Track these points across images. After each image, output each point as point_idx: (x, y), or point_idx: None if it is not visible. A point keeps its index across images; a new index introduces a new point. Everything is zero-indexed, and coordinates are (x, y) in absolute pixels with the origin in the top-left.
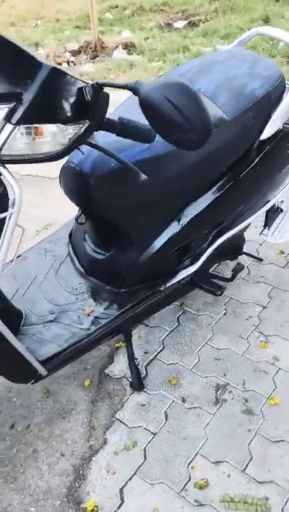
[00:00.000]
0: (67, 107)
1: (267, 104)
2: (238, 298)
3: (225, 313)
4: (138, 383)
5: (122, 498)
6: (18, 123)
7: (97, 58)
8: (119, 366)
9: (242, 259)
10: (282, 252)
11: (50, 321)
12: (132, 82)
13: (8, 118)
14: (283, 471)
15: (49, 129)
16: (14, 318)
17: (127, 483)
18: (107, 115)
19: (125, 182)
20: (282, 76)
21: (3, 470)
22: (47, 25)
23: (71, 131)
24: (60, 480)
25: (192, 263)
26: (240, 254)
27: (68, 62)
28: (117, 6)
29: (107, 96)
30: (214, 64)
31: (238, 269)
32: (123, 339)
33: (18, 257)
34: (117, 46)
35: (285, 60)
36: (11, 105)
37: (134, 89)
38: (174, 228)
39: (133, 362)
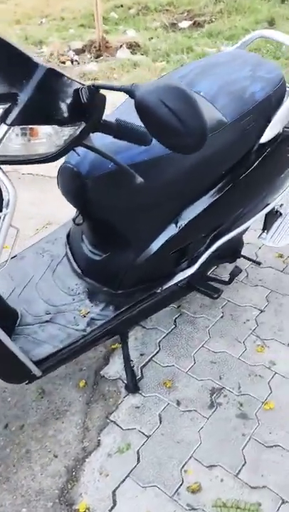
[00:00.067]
0: (63, 108)
1: (267, 107)
2: (235, 301)
3: (222, 316)
4: (133, 385)
5: (114, 501)
6: (13, 124)
7: (101, 57)
8: (115, 368)
9: (240, 262)
10: (281, 256)
11: (46, 322)
12: (128, 85)
13: (3, 119)
14: (277, 476)
15: (44, 130)
16: (10, 318)
17: (119, 485)
18: (105, 117)
19: (122, 184)
20: (284, 79)
21: None
22: (52, 24)
23: (67, 132)
24: (53, 481)
25: (189, 266)
26: (239, 258)
27: (72, 61)
28: (122, 6)
29: (103, 98)
30: (215, 66)
31: (235, 273)
32: (119, 340)
33: (15, 256)
34: (121, 46)
35: None
36: (6, 106)
37: (129, 91)
38: (171, 231)
39: (128, 364)
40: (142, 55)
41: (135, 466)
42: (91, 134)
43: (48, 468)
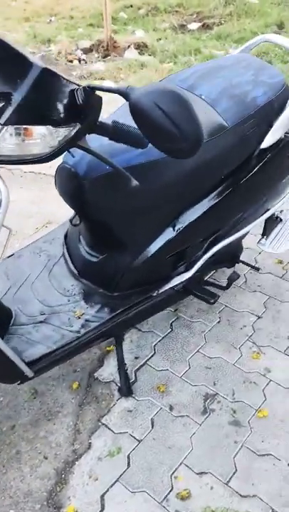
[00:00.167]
0: (57, 109)
1: (269, 112)
2: (233, 306)
3: (219, 321)
4: (126, 388)
5: (102, 505)
6: (6, 123)
7: (109, 57)
8: (109, 370)
9: (239, 267)
10: (281, 262)
11: (40, 322)
12: (123, 87)
13: None
14: (267, 485)
15: (39, 130)
16: (4, 318)
17: (108, 489)
18: (104, 119)
19: (120, 186)
20: (286, 85)
21: None
22: (61, 22)
23: (61, 133)
24: (42, 483)
25: (187, 270)
26: (238, 263)
27: (79, 60)
28: (131, 6)
29: (99, 99)
30: (218, 69)
31: (233, 278)
32: (114, 343)
33: (12, 255)
34: (129, 46)
35: None
36: (0, 105)
37: (124, 94)
38: (169, 234)
39: (122, 367)
40: (150, 55)
41: (125, 471)
42: (88, 136)
43: (37, 470)
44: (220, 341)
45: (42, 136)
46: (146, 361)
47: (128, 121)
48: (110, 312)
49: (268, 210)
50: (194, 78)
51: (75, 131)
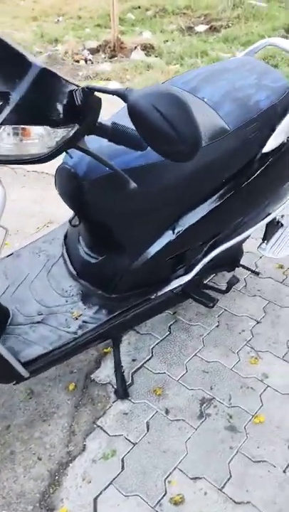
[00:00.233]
0: (55, 109)
1: (272, 116)
2: (232, 310)
3: (217, 325)
4: (122, 391)
5: (95, 508)
6: (3, 123)
7: (115, 58)
8: (106, 372)
9: (239, 271)
10: (282, 267)
11: (38, 322)
12: (121, 89)
13: None
14: (262, 492)
15: (36, 130)
16: (1, 317)
17: (101, 492)
18: (105, 120)
19: (119, 188)
20: None
21: None
22: (68, 22)
23: (59, 134)
24: (35, 484)
25: (186, 273)
26: (238, 267)
27: (86, 60)
28: (139, 7)
29: (98, 100)
30: (222, 72)
31: (233, 282)
32: (112, 345)
33: (11, 254)
34: (135, 47)
35: None
36: None
37: (123, 95)
38: (168, 237)
39: (119, 369)
40: (156, 57)
41: (119, 474)
42: (89, 137)
43: (31, 471)
44: (218, 345)
45: (40, 137)
46: (143, 364)
47: (128, 123)
48: (108, 314)
49: (269, 214)
50: (197, 80)
51: (73, 132)
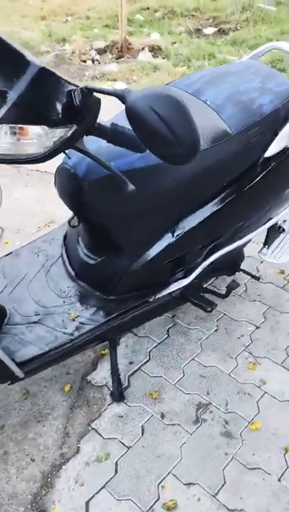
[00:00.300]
0: (53, 109)
1: (275, 120)
2: (231, 315)
3: (216, 330)
4: (118, 394)
5: (87, 511)
6: (0, 122)
7: (122, 59)
8: (102, 374)
9: (240, 275)
10: (283, 272)
11: (34, 323)
12: (120, 90)
13: None
14: (256, 500)
15: (34, 130)
16: None
17: (94, 496)
18: (104, 121)
19: (119, 189)
20: None
21: None
22: (77, 22)
23: (57, 134)
24: (27, 485)
25: (185, 276)
26: (238, 271)
27: (93, 61)
28: (148, 8)
29: (97, 101)
30: (226, 75)
31: (232, 286)
32: (109, 346)
33: (10, 253)
34: (143, 48)
35: None
36: None
37: (121, 97)
38: (167, 239)
39: (115, 371)
40: (164, 58)
41: (112, 477)
42: (90, 137)
43: (23, 472)
44: (216, 350)
45: (37, 136)
46: (140, 367)
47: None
48: (105, 316)
49: (271, 219)
50: (201, 83)
51: (71, 132)
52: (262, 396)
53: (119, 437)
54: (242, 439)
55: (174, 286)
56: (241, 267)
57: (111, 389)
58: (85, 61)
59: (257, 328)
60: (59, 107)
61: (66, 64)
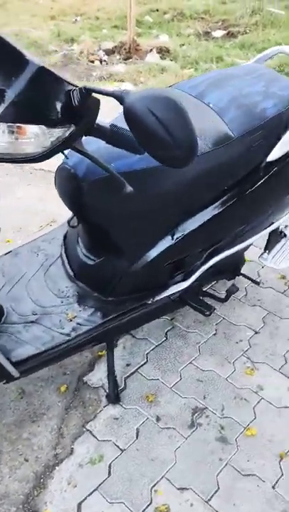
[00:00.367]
0: (52, 108)
1: (278, 125)
2: (230, 319)
3: (215, 334)
4: (114, 395)
5: None
6: None
7: (130, 60)
8: (99, 375)
9: (241, 280)
10: (284, 277)
11: (32, 322)
12: (118, 90)
13: None
14: (249, 507)
15: (32, 129)
16: None
17: (86, 498)
18: (104, 122)
19: (119, 190)
20: None
21: None
22: (86, 22)
23: (54, 134)
24: (20, 486)
25: (184, 279)
26: (238, 275)
27: (101, 61)
28: (157, 10)
29: (96, 101)
30: (230, 78)
31: (232, 291)
32: (106, 348)
33: (9, 252)
34: (151, 50)
35: None
36: None
37: (119, 97)
38: (167, 242)
39: (112, 373)
40: (171, 60)
41: (105, 480)
42: (91, 137)
43: (16, 472)
44: (214, 354)
45: (35, 136)
46: (137, 369)
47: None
48: (103, 317)
49: (272, 223)
50: (205, 85)
51: (69, 132)
52: (258, 402)
53: (113, 439)
54: (237, 444)
55: (173, 289)
56: (242, 271)
57: (107, 390)
58: (92, 61)
59: (256, 333)
60: (57, 106)
61: (74, 64)
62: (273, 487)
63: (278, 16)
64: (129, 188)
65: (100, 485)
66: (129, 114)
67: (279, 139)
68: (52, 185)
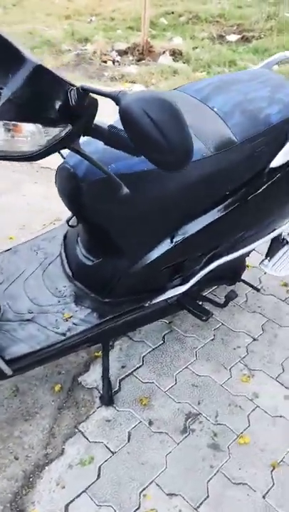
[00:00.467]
0: (48, 107)
1: (282, 131)
2: (229, 325)
3: (213, 339)
4: (108, 397)
5: None
6: None
7: (143, 61)
8: (94, 376)
9: (241, 286)
10: (286, 285)
11: (27, 320)
12: (115, 91)
13: None
14: None
15: (28, 128)
16: None
17: (74, 499)
18: (103, 123)
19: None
20: None
21: None
22: (100, 23)
23: (50, 133)
24: (8, 484)
25: (182, 283)
26: (238, 281)
27: (113, 61)
28: (173, 12)
29: (94, 102)
30: (235, 83)
31: (231, 296)
32: (102, 349)
33: (8, 250)
34: (164, 52)
35: None
36: None
37: (115, 98)
38: (166, 245)
39: (106, 374)
40: (184, 63)
41: (94, 482)
42: (91, 138)
43: (6, 470)
44: (211, 360)
45: (31, 134)
46: (132, 371)
47: None
48: (99, 318)
49: (274, 230)
50: (210, 89)
51: (65, 132)
52: (253, 410)
53: (104, 441)
54: (229, 452)
55: (171, 293)
56: (243, 278)
57: (101, 392)
58: (105, 62)
59: (254, 340)
60: (54, 105)
61: (86, 63)
62: (264, 497)
63: None
64: (125, 190)
65: (88, 487)
66: (124, 116)
67: (283, 145)
68: None
